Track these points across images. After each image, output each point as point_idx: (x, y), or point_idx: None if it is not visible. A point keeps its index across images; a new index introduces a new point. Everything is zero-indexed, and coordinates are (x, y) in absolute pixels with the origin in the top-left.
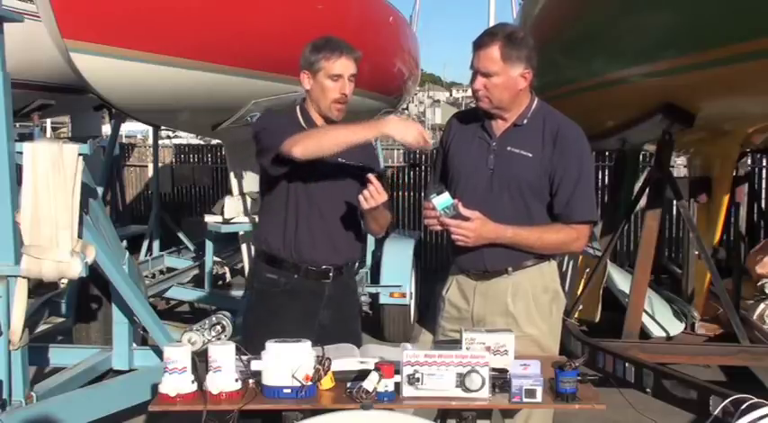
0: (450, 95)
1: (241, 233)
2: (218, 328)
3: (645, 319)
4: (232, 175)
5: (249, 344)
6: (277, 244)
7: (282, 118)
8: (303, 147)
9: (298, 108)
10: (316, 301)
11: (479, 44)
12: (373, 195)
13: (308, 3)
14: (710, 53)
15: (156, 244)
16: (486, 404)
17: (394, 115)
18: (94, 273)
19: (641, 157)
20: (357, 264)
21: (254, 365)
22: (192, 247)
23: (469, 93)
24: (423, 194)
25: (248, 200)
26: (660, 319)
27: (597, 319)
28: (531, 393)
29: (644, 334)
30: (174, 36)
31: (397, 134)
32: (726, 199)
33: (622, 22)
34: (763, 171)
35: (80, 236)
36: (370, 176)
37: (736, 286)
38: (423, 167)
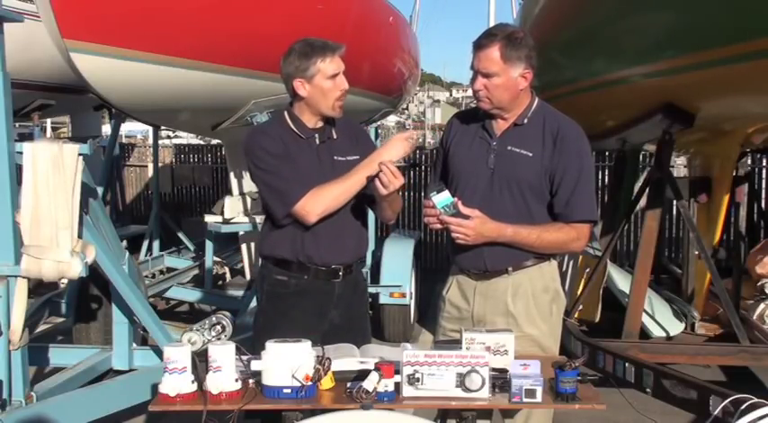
0: (450, 95)
1: (241, 233)
2: (218, 328)
3: (645, 319)
4: (232, 175)
5: (259, 345)
6: (285, 249)
7: (278, 149)
8: (317, 214)
9: (286, 114)
10: (326, 300)
11: (479, 45)
12: (390, 180)
13: (308, 3)
14: (710, 53)
15: (156, 244)
16: (486, 404)
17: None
18: (94, 273)
19: (641, 157)
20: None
21: (254, 365)
22: (191, 247)
23: (469, 93)
24: (423, 194)
25: (248, 200)
26: (660, 319)
27: (597, 319)
28: (531, 393)
29: (644, 334)
30: (174, 36)
31: (390, 156)
32: (726, 199)
33: (622, 22)
34: (763, 171)
35: (80, 236)
36: (385, 162)
37: (736, 286)
38: (423, 167)
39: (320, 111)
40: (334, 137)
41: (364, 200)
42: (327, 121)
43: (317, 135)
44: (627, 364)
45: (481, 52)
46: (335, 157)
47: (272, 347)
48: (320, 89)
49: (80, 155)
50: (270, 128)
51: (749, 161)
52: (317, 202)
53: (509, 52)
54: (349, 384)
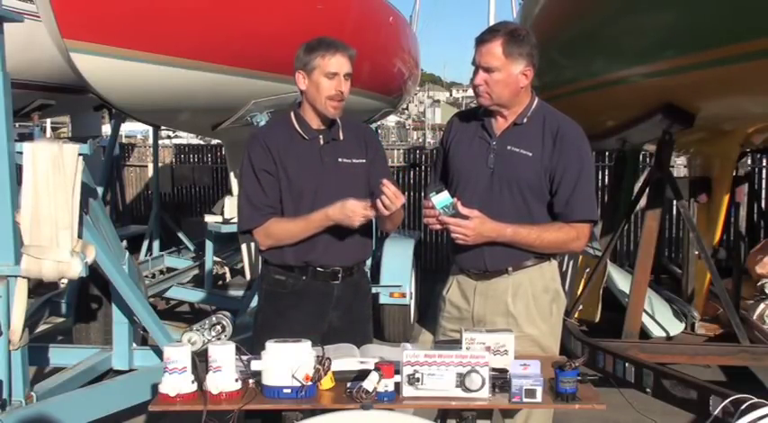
0: (450, 95)
1: None
2: (218, 328)
3: (645, 319)
4: (232, 175)
5: (257, 345)
6: (284, 250)
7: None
8: (266, 246)
9: (292, 114)
10: (324, 302)
11: (482, 39)
12: (392, 200)
13: (308, 3)
14: (710, 53)
15: (156, 244)
16: (486, 404)
17: (338, 203)
18: (94, 273)
19: (641, 157)
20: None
21: (254, 365)
22: (191, 247)
23: (469, 93)
24: (423, 194)
25: None
26: (660, 319)
27: (597, 319)
28: (531, 393)
29: (644, 334)
30: (174, 36)
31: (343, 223)
32: (726, 199)
33: (622, 22)
34: (763, 171)
35: (80, 236)
36: (385, 182)
37: (736, 286)
38: (423, 167)
39: (316, 108)
40: (341, 138)
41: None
42: (333, 122)
43: (321, 136)
44: (627, 364)
45: (483, 47)
46: (340, 159)
47: (272, 347)
48: (316, 84)
49: (80, 155)
50: (270, 131)
51: (749, 161)
52: (268, 237)
53: (511, 48)
54: (349, 384)
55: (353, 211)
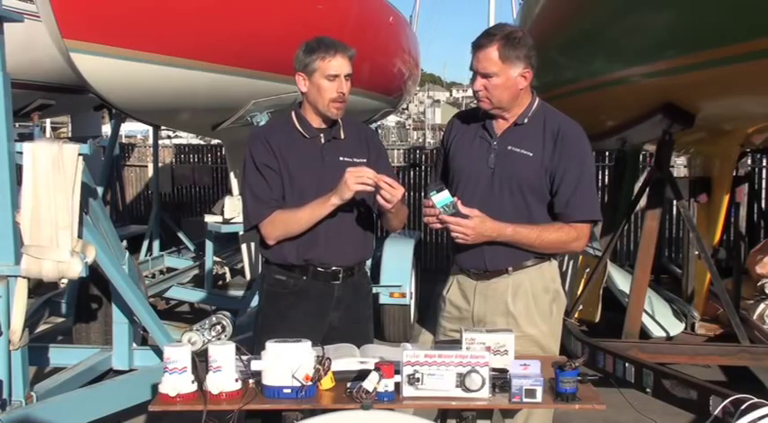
0: (451, 95)
1: (241, 233)
2: (218, 328)
3: (645, 319)
4: (232, 175)
5: (258, 345)
6: (285, 249)
7: (266, 159)
8: (274, 238)
9: (293, 113)
10: (325, 302)
11: (478, 45)
12: (391, 193)
13: (308, 3)
14: (710, 53)
15: (156, 244)
16: (486, 404)
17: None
18: (94, 273)
19: (641, 157)
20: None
21: (254, 365)
22: (192, 247)
23: (469, 93)
24: (423, 194)
25: None
26: (660, 319)
27: (597, 319)
28: (531, 393)
29: (644, 334)
30: (174, 36)
31: (343, 195)
32: (726, 199)
33: (622, 22)
34: (763, 171)
35: (80, 236)
36: (382, 177)
37: (736, 286)
38: (423, 167)
39: (318, 109)
40: (342, 137)
41: (372, 207)
42: (335, 121)
43: (322, 135)
44: (627, 364)
45: (480, 52)
46: (341, 158)
47: (272, 347)
48: (317, 87)
49: (80, 155)
50: (271, 129)
51: (749, 161)
52: (275, 228)
53: (507, 52)
54: (349, 384)
55: (346, 176)
